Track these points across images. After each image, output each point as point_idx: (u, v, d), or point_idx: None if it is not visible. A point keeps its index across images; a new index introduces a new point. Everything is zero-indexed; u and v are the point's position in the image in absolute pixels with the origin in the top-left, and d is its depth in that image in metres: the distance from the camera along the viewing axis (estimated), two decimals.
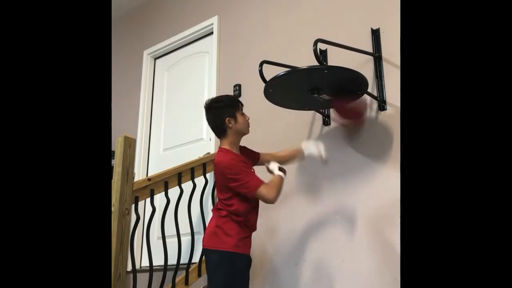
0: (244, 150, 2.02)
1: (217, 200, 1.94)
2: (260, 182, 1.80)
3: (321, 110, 2.44)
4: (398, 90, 2.17)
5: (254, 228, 1.93)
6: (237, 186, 1.80)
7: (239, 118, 1.90)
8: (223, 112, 1.89)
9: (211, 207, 2.68)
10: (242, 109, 1.95)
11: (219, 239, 1.81)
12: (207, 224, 2.55)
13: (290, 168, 2.47)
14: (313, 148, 2.05)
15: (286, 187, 2.48)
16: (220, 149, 1.92)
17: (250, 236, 1.90)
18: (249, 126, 1.96)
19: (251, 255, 1.92)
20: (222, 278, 1.78)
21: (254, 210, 1.92)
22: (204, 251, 1.89)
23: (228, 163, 1.82)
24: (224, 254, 1.79)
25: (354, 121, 2.21)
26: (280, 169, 1.89)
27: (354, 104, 2.11)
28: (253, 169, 1.94)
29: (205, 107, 1.96)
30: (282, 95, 2.18)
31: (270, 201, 1.81)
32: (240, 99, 2.89)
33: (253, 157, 2.04)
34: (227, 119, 1.87)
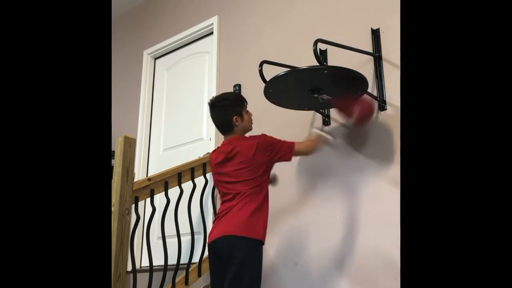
0: None
1: (240, 194, 1.84)
2: (293, 142, 1.94)
3: (321, 110, 2.44)
4: (398, 90, 2.17)
5: None
6: (276, 153, 1.89)
7: (245, 116, 1.98)
8: (230, 110, 1.94)
9: (211, 207, 2.69)
10: (246, 107, 2.02)
11: (252, 227, 1.78)
12: (207, 224, 2.57)
13: (290, 168, 2.48)
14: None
15: (285, 186, 2.50)
16: (237, 137, 1.96)
17: None
18: (252, 123, 2.05)
19: None
20: (254, 268, 1.74)
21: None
22: (231, 239, 1.78)
23: (259, 137, 1.91)
24: (257, 243, 1.78)
25: (361, 118, 2.12)
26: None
27: (360, 104, 2.09)
28: None
29: (209, 104, 2.00)
30: (282, 95, 2.18)
31: (310, 150, 2.02)
32: None
33: None
34: (234, 117, 1.93)
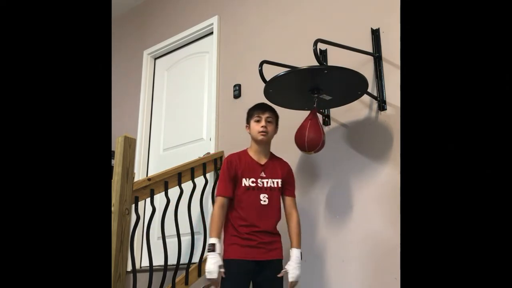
0: (281, 167, 2.12)
1: None
2: (220, 193, 1.97)
3: (321, 110, 2.44)
4: (398, 90, 2.17)
5: (254, 227, 1.92)
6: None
7: (251, 125, 2.06)
8: (247, 120, 2.12)
9: (211, 207, 2.69)
10: (256, 117, 2.04)
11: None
12: (206, 224, 2.57)
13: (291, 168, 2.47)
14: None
15: None
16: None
17: (248, 238, 1.91)
18: (260, 134, 2.01)
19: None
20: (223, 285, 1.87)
21: (252, 205, 1.96)
22: None
23: (223, 163, 2.09)
24: (225, 262, 1.89)
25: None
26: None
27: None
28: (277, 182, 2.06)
29: None
30: (282, 95, 2.18)
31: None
32: (240, 99, 2.92)
33: (283, 178, 2.10)
34: (246, 125, 2.11)
